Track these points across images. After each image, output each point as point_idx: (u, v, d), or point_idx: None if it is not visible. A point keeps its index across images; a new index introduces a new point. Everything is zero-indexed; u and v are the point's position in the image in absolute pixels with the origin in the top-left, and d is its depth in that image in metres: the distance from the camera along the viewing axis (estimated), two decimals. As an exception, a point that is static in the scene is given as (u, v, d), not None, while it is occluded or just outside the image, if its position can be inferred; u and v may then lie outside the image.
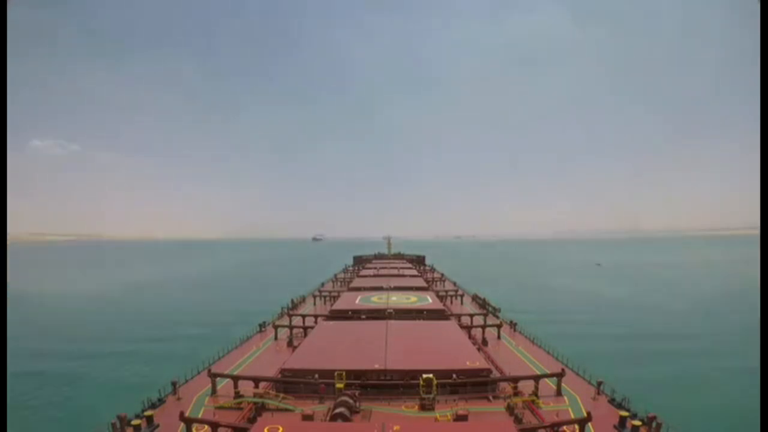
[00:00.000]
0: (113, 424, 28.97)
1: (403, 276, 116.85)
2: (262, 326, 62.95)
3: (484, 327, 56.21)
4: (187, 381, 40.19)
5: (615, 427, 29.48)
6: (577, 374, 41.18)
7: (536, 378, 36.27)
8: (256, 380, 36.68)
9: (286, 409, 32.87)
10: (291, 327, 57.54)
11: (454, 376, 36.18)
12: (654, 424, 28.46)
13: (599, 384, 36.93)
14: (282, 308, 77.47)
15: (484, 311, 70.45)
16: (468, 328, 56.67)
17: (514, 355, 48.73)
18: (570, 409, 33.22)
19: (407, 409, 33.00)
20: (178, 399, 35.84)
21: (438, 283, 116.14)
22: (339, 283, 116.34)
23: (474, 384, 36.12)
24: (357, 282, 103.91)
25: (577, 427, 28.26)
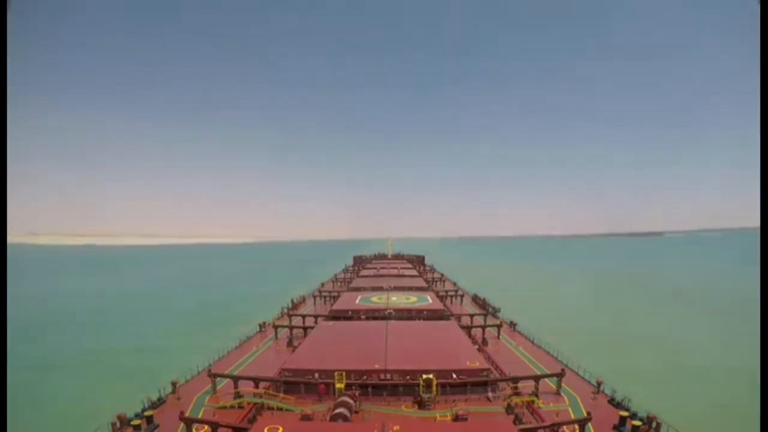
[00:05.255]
0: (113, 425, 29.07)
1: (403, 276, 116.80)
2: (262, 326, 62.97)
3: (484, 327, 56.29)
4: (187, 381, 40.25)
5: (615, 427, 29.48)
6: (577, 374, 41.17)
7: (536, 378, 36.32)
8: (256, 380, 36.73)
9: (286, 410, 32.91)
10: (291, 327, 57.61)
11: (454, 376, 36.19)
12: (654, 424, 28.49)
13: (599, 384, 36.98)
14: (282, 308, 77.51)
15: (484, 311, 70.50)
16: (468, 328, 56.67)
17: (514, 355, 48.73)
18: (570, 409, 33.23)
19: (407, 409, 33.03)
20: (178, 399, 35.88)
21: (438, 283, 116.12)
22: (339, 284, 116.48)
23: (474, 384, 36.12)
24: (357, 282, 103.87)
25: (577, 427, 28.29)
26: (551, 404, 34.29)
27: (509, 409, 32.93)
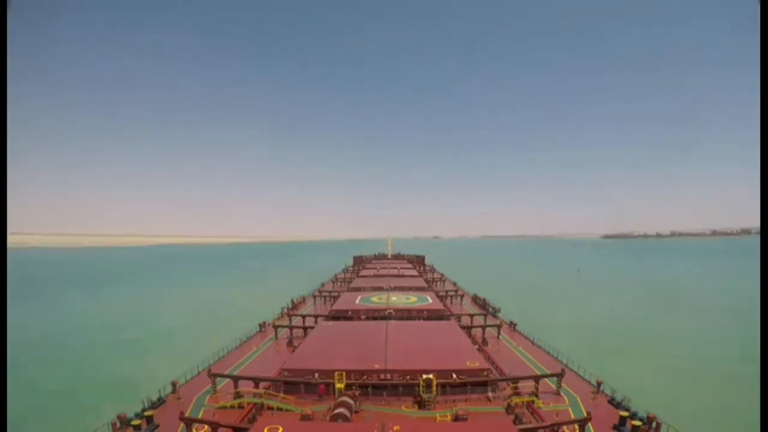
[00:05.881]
0: (113, 424, 29.07)
1: (403, 276, 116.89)
2: (262, 326, 62.99)
3: (484, 327, 56.33)
4: (187, 381, 40.26)
5: (615, 427, 29.48)
6: (577, 374, 41.18)
7: (536, 378, 36.33)
8: (256, 380, 36.72)
9: (286, 410, 32.91)
10: (291, 327, 57.66)
11: (454, 376, 36.19)
12: (654, 424, 28.49)
13: (599, 384, 36.99)
14: (282, 308, 77.54)
15: (484, 311, 70.56)
16: (468, 328, 56.71)
17: (514, 355, 48.74)
18: (570, 409, 33.21)
19: (407, 409, 33.01)
20: (178, 399, 35.88)
21: (438, 283, 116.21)
22: (339, 283, 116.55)
23: (474, 384, 36.12)
24: (357, 282, 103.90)
25: (576, 427, 28.28)
26: (551, 404, 34.27)
27: (509, 409, 32.92)
